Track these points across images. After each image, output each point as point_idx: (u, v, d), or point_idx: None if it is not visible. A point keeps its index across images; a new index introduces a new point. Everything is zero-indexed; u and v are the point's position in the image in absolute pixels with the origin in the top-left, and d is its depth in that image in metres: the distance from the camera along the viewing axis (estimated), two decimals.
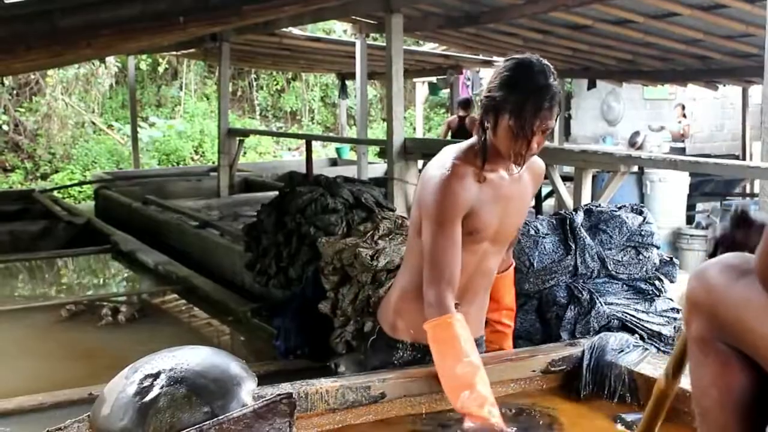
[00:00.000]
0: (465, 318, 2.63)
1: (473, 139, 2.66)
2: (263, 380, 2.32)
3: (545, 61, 2.55)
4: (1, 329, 6.37)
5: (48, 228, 10.17)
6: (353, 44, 10.80)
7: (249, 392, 2.13)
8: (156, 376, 2.10)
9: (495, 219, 2.64)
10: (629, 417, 2.57)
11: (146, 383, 2.09)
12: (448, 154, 2.63)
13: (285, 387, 2.40)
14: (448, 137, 11.67)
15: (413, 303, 2.66)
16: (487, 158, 2.58)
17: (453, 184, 2.53)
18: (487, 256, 2.72)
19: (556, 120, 2.53)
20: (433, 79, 15.88)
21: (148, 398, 2.05)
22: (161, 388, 2.07)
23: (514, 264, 3.11)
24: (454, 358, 2.43)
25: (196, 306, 6.99)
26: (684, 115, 14.61)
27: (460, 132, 11.24)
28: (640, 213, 3.76)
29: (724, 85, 12.37)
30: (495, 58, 12.86)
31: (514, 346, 3.27)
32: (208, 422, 1.93)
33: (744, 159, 11.71)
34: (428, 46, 13.90)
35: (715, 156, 10.36)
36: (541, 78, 2.49)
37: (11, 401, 4.48)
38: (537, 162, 2.80)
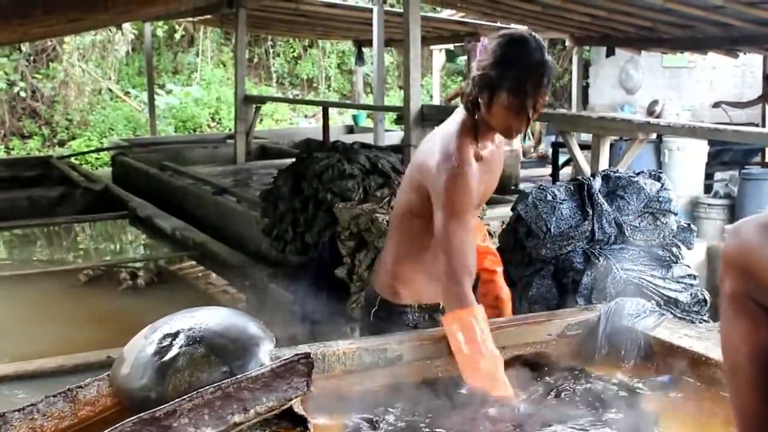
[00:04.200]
0: None
1: (462, 116, 2.66)
2: (280, 344, 2.34)
3: (538, 36, 2.55)
4: (20, 293, 6.43)
5: (66, 194, 10.24)
6: (370, 10, 10.74)
7: (267, 352, 2.14)
8: (175, 335, 2.12)
9: (483, 190, 2.72)
10: (659, 380, 2.58)
11: (165, 343, 2.11)
12: (450, 139, 2.62)
13: (302, 348, 2.41)
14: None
15: (411, 266, 2.72)
16: (480, 135, 2.62)
17: (466, 175, 2.55)
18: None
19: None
20: (451, 46, 15.78)
21: (167, 357, 2.07)
22: (180, 347, 2.08)
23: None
24: (476, 351, 2.45)
25: (213, 271, 7.03)
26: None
27: None
28: (658, 179, 3.73)
29: (745, 53, 12.22)
30: (513, 25, 12.76)
31: (530, 311, 3.28)
32: (226, 381, 1.95)
33: (764, 127, 11.60)
34: (446, 13, 13.79)
35: (735, 124, 10.27)
36: (538, 54, 2.49)
37: (31, 363, 4.53)
38: None
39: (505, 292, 3.12)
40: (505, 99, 2.50)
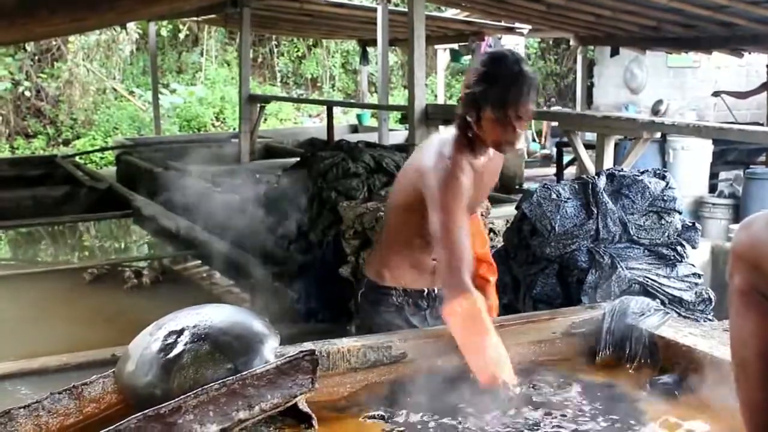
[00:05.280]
0: None
1: (454, 131, 2.77)
2: (284, 342, 2.34)
3: (518, 53, 2.73)
4: (25, 292, 6.44)
5: (70, 193, 10.22)
6: (375, 10, 10.73)
7: (271, 350, 2.15)
8: (180, 333, 2.13)
9: (473, 199, 2.82)
10: (664, 378, 2.57)
11: (170, 340, 2.12)
12: (446, 145, 2.75)
13: (307, 345, 2.41)
14: None
15: (399, 253, 2.95)
16: (474, 150, 2.75)
17: (459, 177, 2.66)
18: None
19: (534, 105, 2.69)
20: (455, 45, 15.77)
21: (172, 354, 2.08)
22: (185, 344, 2.09)
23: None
24: (482, 335, 2.48)
25: (217, 270, 7.03)
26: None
27: None
28: (663, 178, 3.73)
29: (749, 53, 12.20)
30: (517, 24, 12.75)
31: (535, 309, 3.29)
32: (231, 378, 1.95)
33: None
34: (450, 12, 13.78)
35: (740, 123, 10.26)
36: (516, 66, 2.62)
37: (35, 361, 4.53)
38: None
39: (494, 302, 3.17)
40: (490, 113, 2.63)
